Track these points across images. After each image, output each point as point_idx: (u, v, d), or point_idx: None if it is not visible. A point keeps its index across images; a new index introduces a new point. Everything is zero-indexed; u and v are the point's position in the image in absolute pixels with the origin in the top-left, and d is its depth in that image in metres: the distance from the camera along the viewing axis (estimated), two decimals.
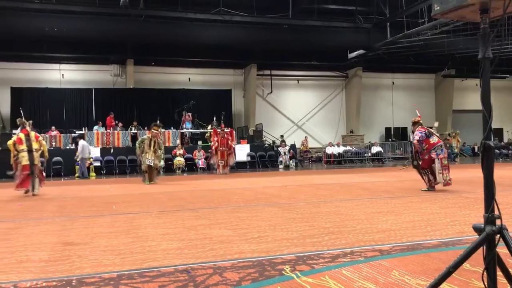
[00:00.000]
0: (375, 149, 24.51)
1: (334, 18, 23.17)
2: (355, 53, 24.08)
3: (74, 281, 2.92)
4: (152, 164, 12.33)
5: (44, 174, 10.68)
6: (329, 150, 23.87)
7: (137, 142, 12.70)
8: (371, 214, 5.59)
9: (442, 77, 28.63)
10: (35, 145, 9.98)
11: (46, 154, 10.69)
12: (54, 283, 2.87)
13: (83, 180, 15.66)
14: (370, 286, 2.68)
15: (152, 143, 12.44)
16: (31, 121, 10.70)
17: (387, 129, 28.62)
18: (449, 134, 24.70)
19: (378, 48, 23.44)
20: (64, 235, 4.68)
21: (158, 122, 14.60)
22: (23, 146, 9.83)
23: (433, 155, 8.36)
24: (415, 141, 8.58)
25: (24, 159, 9.77)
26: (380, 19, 22.40)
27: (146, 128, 20.66)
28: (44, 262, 3.50)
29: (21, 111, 11.32)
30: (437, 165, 8.33)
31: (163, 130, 20.43)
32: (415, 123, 8.92)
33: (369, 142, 26.11)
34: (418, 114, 9.13)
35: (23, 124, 10.38)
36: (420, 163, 8.54)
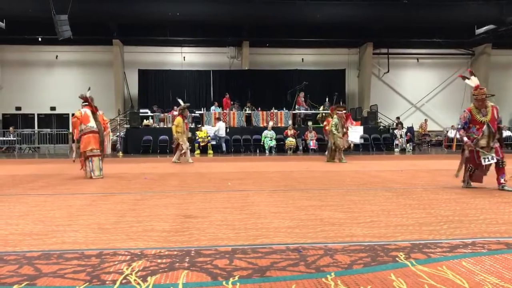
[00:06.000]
0: (505, 133, 22.40)
1: None
2: (484, 28, 22.08)
3: (193, 252, 3.11)
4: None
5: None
6: (452, 134, 22.33)
7: (333, 126, 12.90)
8: (496, 204, 5.15)
9: None
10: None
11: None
12: (175, 252, 3.09)
13: (201, 157, 16.56)
14: (494, 281, 2.48)
15: (341, 124, 12.90)
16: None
17: None
18: None
19: (510, 22, 21.22)
20: (184, 208, 5.00)
21: (341, 103, 15.35)
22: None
23: None
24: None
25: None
26: None
27: (259, 108, 21.15)
28: (166, 232, 3.78)
29: (179, 100, 13.56)
30: None
31: (275, 110, 20.75)
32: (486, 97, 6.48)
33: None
34: (474, 83, 6.53)
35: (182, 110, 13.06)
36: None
